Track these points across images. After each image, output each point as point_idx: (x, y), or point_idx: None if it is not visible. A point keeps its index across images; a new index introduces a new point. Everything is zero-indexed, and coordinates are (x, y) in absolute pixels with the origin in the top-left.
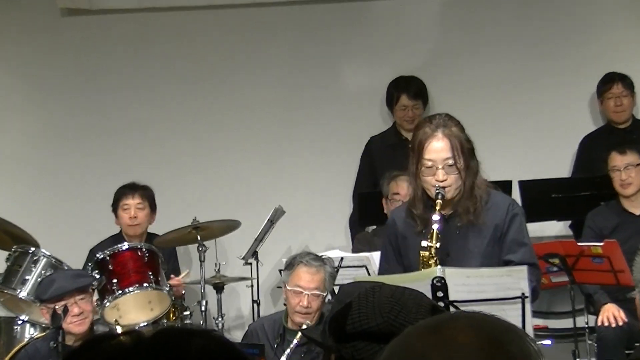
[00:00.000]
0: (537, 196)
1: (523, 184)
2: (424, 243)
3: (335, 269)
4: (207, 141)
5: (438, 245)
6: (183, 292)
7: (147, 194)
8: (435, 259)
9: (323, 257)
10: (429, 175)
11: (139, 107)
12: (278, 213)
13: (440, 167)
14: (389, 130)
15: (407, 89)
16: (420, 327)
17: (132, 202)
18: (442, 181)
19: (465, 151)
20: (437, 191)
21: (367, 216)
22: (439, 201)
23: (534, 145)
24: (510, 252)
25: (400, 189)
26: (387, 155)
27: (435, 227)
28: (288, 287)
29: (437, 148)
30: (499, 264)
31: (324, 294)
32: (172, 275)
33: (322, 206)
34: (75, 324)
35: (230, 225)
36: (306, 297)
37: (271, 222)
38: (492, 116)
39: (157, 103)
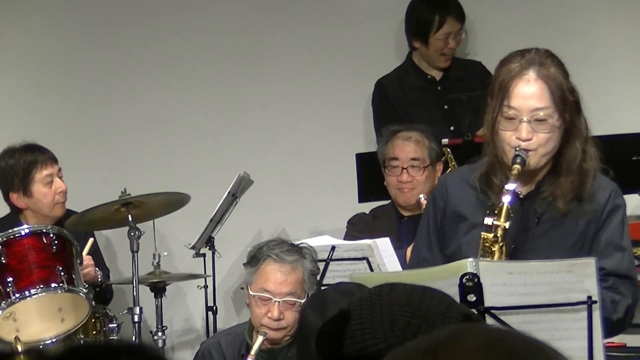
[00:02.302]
0: (611, 159)
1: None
2: (488, 220)
3: (326, 262)
4: (141, 82)
5: (507, 225)
6: (99, 276)
7: (56, 159)
8: (501, 245)
9: (301, 245)
10: (509, 130)
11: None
12: (243, 183)
13: (525, 119)
14: (405, 68)
15: (449, 9)
16: (410, 349)
17: (54, 170)
18: (525, 140)
19: (567, 104)
20: (517, 153)
21: (369, 188)
22: (516, 166)
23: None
24: (602, 256)
25: (399, 151)
26: (415, 101)
27: (505, 200)
28: (251, 292)
29: (526, 93)
30: None
31: (302, 301)
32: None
33: (306, 174)
34: None
35: (174, 201)
36: (277, 306)
37: (233, 196)
38: None
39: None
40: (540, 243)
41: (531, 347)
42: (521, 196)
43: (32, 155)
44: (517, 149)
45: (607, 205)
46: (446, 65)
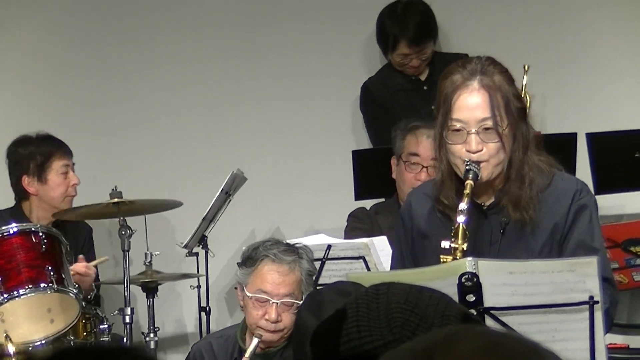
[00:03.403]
0: (613, 156)
1: (593, 138)
2: (445, 244)
3: (321, 261)
4: (133, 84)
5: (465, 246)
6: (93, 286)
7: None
8: None
9: (297, 245)
10: (458, 144)
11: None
12: (237, 181)
13: (473, 130)
14: (388, 71)
15: (405, 31)
16: (405, 351)
17: (70, 162)
18: (475, 152)
19: (513, 111)
20: (468, 166)
21: (365, 186)
22: (469, 182)
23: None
24: None
25: (422, 148)
26: (402, 103)
27: (460, 220)
28: (248, 293)
29: (471, 104)
30: None
31: (300, 302)
32: (80, 257)
33: (301, 172)
34: None
35: (166, 204)
36: (274, 308)
37: (227, 194)
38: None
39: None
40: (507, 254)
41: (528, 350)
42: (484, 208)
43: (52, 144)
44: (468, 163)
45: (572, 206)
46: (418, 72)
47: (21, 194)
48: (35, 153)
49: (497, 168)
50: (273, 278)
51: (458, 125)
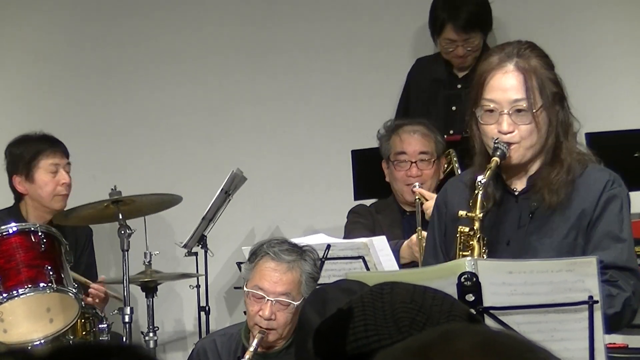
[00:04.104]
0: (612, 155)
1: (592, 138)
2: (462, 213)
3: (320, 261)
4: (132, 79)
5: (481, 216)
6: (102, 312)
7: (67, 153)
8: (479, 237)
9: (305, 248)
10: (490, 124)
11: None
12: (236, 180)
13: (505, 111)
14: (435, 58)
15: (454, 16)
16: (400, 350)
17: (62, 162)
18: (506, 133)
19: (548, 95)
20: (496, 145)
21: (365, 186)
22: (495, 159)
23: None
24: (599, 248)
25: (407, 145)
26: (428, 92)
27: (479, 192)
28: (246, 288)
29: (504, 85)
30: None
31: (296, 303)
32: (101, 277)
33: (300, 171)
34: None
35: (166, 201)
36: (269, 305)
37: (226, 194)
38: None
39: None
40: (534, 237)
41: (524, 348)
42: (515, 193)
43: (43, 144)
44: (496, 141)
45: (603, 195)
46: (464, 64)
47: (16, 194)
48: (24, 152)
49: (529, 151)
50: (270, 275)
51: (491, 105)
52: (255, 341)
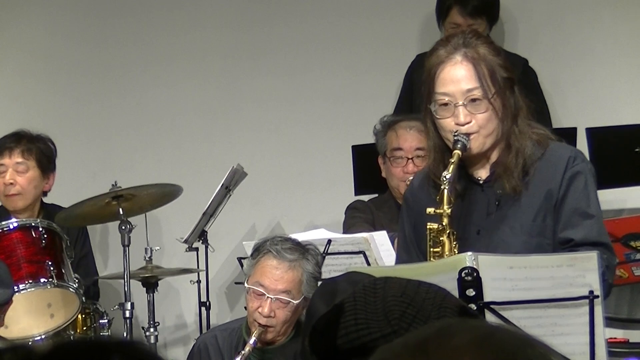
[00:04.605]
0: (613, 151)
1: (593, 133)
2: (430, 210)
3: (321, 256)
4: (133, 76)
5: (450, 211)
6: None
7: (35, 149)
8: (449, 232)
9: (308, 246)
10: (447, 117)
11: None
12: (237, 176)
13: (460, 103)
14: None
15: (462, 0)
16: (399, 346)
17: (9, 162)
18: (464, 124)
19: (500, 81)
20: (456, 137)
21: (365, 181)
22: (456, 152)
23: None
24: (569, 226)
25: (403, 141)
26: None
27: (445, 187)
28: (247, 284)
29: (455, 76)
30: (553, 245)
31: (296, 302)
32: None
33: (301, 167)
34: None
35: (166, 193)
36: (268, 302)
37: (227, 189)
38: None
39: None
40: (503, 223)
41: (522, 342)
42: (480, 182)
43: (1, 141)
44: (456, 133)
45: (566, 173)
46: None
47: None
48: None
49: (489, 139)
50: (272, 273)
51: (445, 99)
52: (255, 335)
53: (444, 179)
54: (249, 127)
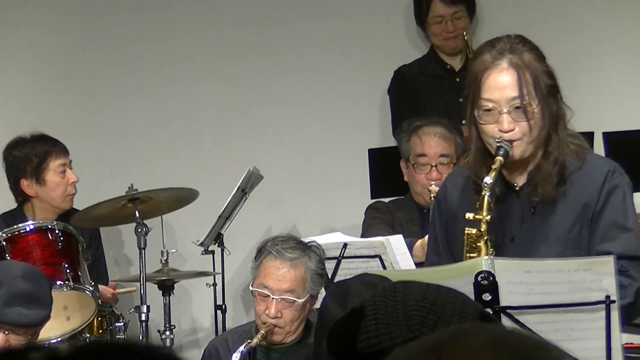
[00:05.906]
0: (630, 155)
1: (610, 137)
2: (469, 215)
3: (337, 259)
4: (149, 77)
5: (489, 218)
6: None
7: (67, 151)
8: (486, 239)
9: (310, 244)
10: (490, 123)
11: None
12: (253, 178)
13: (505, 110)
14: (426, 58)
15: None
16: (414, 348)
17: (67, 161)
18: (508, 131)
19: (543, 89)
20: (499, 144)
21: (382, 184)
22: (498, 158)
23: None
24: (607, 239)
25: (427, 148)
26: (432, 89)
27: (485, 193)
28: (252, 287)
29: (500, 84)
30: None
31: (301, 300)
32: (112, 283)
33: (317, 170)
34: None
35: (183, 197)
36: (274, 304)
37: (243, 192)
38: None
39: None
40: (538, 231)
41: (536, 346)
42: (517, 188)
43: (47, 144)
44: (499, 140)
45: (605, 186)
46: (456, 47)
47: (22, 197)
48: (31, 155)
49: (530, 146)
50: (274, 274)
51: (490, 105)
52: (263, 330)
53: (485, 184)
54: (265, 129)
